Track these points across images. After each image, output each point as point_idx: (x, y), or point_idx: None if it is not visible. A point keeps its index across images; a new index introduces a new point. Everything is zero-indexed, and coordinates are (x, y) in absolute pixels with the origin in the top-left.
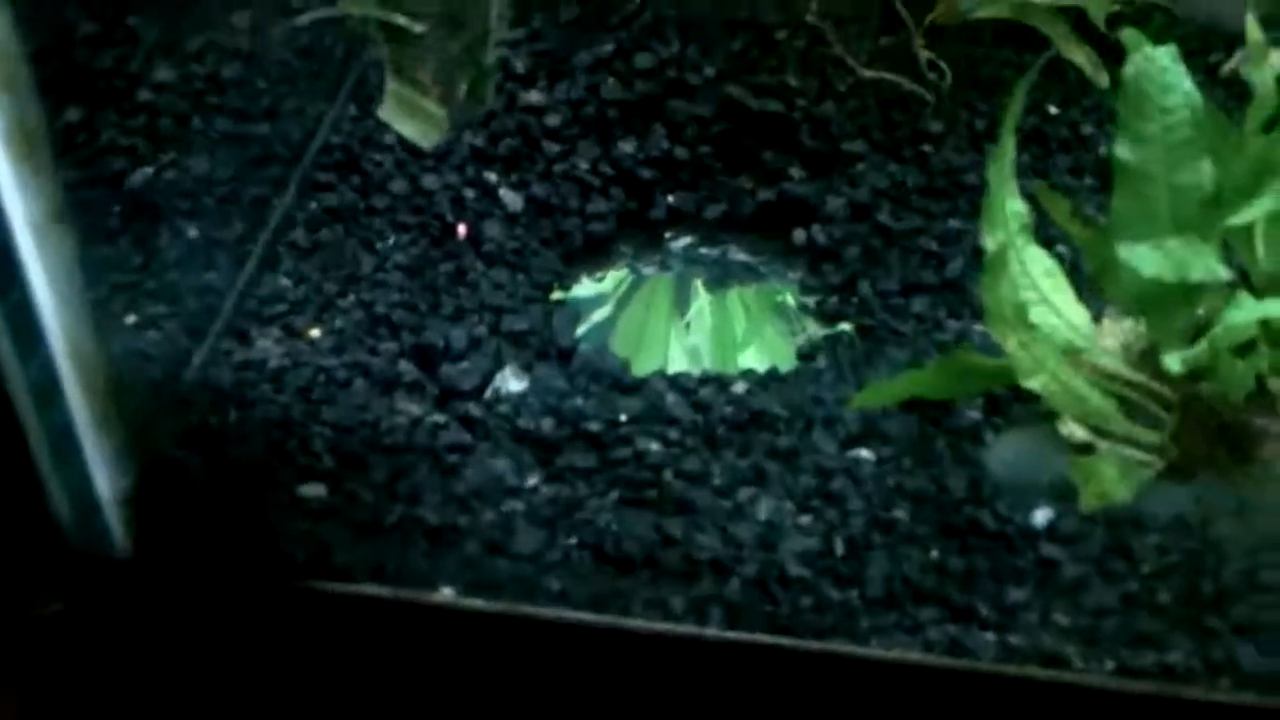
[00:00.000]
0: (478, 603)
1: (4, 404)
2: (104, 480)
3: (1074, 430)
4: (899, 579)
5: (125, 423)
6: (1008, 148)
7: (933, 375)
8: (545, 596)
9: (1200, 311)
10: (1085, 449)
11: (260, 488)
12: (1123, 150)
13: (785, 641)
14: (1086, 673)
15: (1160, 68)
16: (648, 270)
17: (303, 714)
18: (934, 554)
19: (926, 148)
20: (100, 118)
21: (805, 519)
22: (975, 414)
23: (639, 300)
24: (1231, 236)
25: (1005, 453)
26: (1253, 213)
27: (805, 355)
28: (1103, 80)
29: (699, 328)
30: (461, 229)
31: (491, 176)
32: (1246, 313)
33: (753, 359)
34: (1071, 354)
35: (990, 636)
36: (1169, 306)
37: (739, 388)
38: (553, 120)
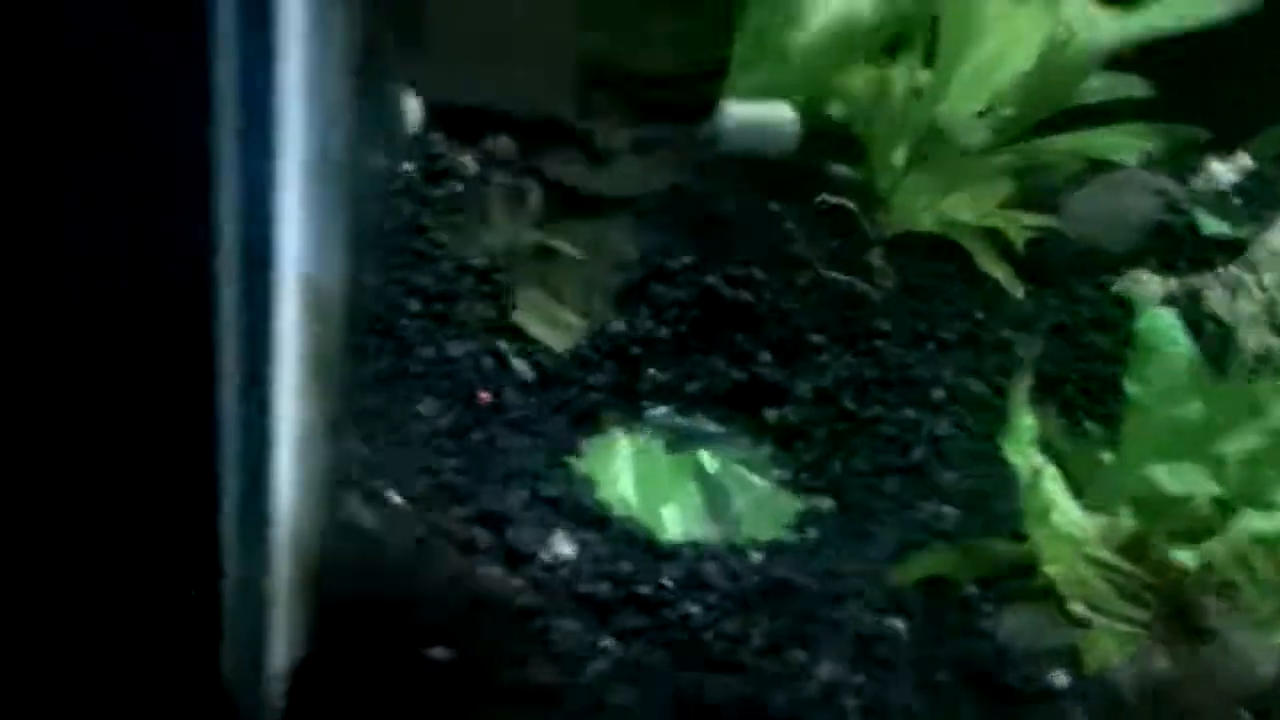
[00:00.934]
0: None
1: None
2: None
3: (1074, 606)
4: None
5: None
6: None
7: (960, 555)
8: None
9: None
10: (1082, 623)
11: (395, 655)
12: (1132, 387)
13: None
14: None
15: (1166, 325)
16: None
17: None
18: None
19: (878, 343)
20: None
21: (859, 678)
22: (972, 588)
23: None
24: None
25: (1013, 624)
26: (1236, 444)
27: (796, 526)
28: (1018, 291)
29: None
30: (484, 395)
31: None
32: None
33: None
34: (1075, 546)
35: None
36: (1166, 511)
37: (757, 557)
38: None
